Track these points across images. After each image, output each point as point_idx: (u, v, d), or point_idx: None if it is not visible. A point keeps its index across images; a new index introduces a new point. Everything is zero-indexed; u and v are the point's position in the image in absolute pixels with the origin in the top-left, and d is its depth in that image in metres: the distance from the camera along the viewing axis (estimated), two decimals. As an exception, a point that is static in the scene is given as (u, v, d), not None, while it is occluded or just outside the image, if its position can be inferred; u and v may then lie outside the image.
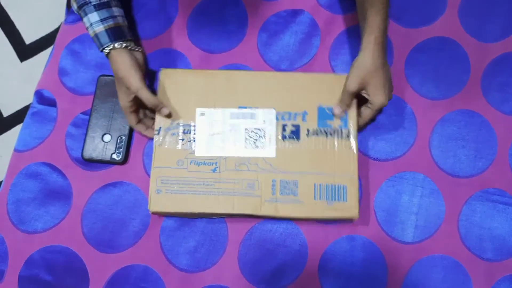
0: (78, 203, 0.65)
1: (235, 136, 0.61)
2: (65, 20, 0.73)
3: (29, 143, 0.68)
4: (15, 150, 0.68)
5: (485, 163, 0.65)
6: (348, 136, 0.61)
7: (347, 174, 0.60)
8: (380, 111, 0.61)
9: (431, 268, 0.62)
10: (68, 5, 0.74)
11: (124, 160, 0.66)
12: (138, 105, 0.63)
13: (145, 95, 0.59)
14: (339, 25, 0.71)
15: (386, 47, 0.59)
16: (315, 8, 0.72)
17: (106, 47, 0.60)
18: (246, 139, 0.61)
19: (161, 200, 0.60)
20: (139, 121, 0.64)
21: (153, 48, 0.70)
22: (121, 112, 0.67)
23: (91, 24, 0.60)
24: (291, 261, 0.63)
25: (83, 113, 0.68)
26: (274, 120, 0.62)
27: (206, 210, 0.60)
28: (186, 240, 0.64)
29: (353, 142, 0.61)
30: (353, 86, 0.58)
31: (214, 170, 0.60)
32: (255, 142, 0.61)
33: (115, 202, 0.65)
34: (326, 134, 0.61)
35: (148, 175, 0.65)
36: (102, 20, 0.60)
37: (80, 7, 0.60)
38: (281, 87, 0.63)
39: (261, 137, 0.61)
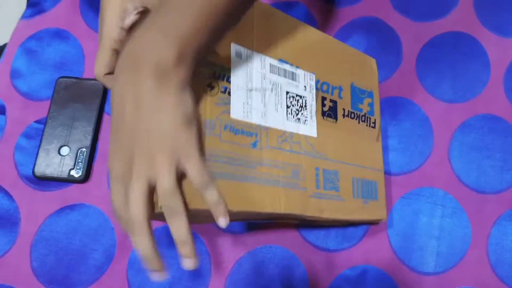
0: (27, 230, 0.53)
1: (277, 99, 0.44)
2: (23, 14, 0.63)
3: (-30, 158, 0.56)
4: (-47, 167, 0.56)
5: (514, 176, 0.56)
6: (374, 124, 0.52)
7: (375, 168, 0.50)
8: None
9: (457, 304, 0.52)
10: (25, -3, 0.64)
11: (85, 178, 0.54)
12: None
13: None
14: (340, 19, 0.62)
15: (172, 83, 0.32)
16: (312, 1, 0.63)
17: None
18: (288, 106, 0.45)
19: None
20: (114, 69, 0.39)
21: None
22: (83, 120, 0.56)
23: None
24: (288, 298, 0.52)
25: (37, 121, 0.57)
26: (314, 89, 0.48)
27: (248, 207, 0.39)
28: (160, 274, 0.52)
29: (379, 133, 0.51)
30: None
31: (254, 145, 0.41)
32: (297, 113, 0.45)
33: (72, 229, 0.53)
34: (358, 118, 0.50)
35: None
36: None
37: None
38: (321, 50, 0.49)
39: (303, 107, 0.46)
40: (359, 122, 0.51)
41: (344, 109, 0.50)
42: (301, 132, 0.45)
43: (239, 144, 0.40)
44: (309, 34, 0.49)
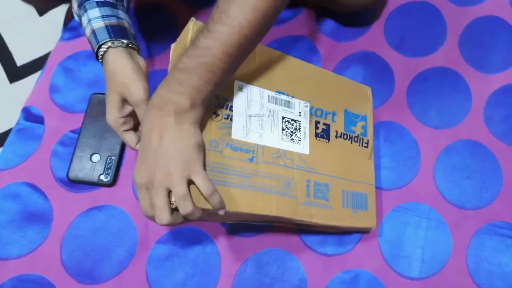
0: (58, 227, 0.60)
1: (273, 123, 0.53)
2: (61, 37, 0.71)
3: (11, 161, 0.63)
4: (-5, 168, 0.63)
5: (491, 195, 0.63)
6: (367, 144, 0.59)
7: (366, 182, 0.57)
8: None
9: (439, 308, 0.58)
10: (66, 22, 0.72)
11: (113, 182, 0.61)
12: (134, 120, 0.51)
13: (135, 90, 0.47)
14: (340, 52, 0.70)
15: (171, 112, 0.42)
16: (316, 35, 0.71)
17: (103, 44, 0.49)
18: (283, 129, 0.53)
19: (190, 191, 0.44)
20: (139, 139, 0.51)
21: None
22: (113, 132, 0.63)
23: (89, 21, 0.49)
24: (289, 297, 0.58)
25: (72, 131, 0.64)
26: (308, 114, 0.56)
27: (243, 209, 0.47)
28: (175, 271, 0.58)
29: (371, 152, 0.59)
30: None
31: (251, 160, 0.50)
32: (291, 135, 0.53)
33: (99, 227, 0.60)
34: (351, 139, 0.58)
35: (138, 199, 0.61)
36: (103, 17, 0.50)
37: (80, 4, 0.51)
38: (316, 82, 0.58)
39: (297, 130, 0.54)
40: (351, 142, 0.59)
41: (337, 131, 0.58)
42: (294, 150, 0.54)
43: (238, 159, 0.49)
44: (305, 69, 0.58)
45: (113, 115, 0.50)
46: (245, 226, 0.60)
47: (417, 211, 0.62)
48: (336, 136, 0.58)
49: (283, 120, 0.54)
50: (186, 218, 0.44)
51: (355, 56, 0.70)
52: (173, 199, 0.42)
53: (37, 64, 1.04)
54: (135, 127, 0.52)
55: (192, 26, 0.49)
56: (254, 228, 0.60)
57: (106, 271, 0.58)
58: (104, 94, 0.65)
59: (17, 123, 0.66)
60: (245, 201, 0.48)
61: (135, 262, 0.58)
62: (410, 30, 0.72)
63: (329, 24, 0.72)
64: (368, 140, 0.60)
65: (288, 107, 0.55)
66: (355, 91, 0.61)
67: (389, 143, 0.65)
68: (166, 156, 0.42)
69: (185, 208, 0.42)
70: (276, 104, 0.54)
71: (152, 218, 0.43)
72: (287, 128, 0.54)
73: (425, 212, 0.62)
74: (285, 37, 0.71)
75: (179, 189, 0.41)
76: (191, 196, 0.42)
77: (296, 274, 0.59)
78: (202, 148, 0.44)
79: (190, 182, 0.43)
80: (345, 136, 0.58)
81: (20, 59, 1.05)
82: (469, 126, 0.66)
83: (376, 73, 0.69)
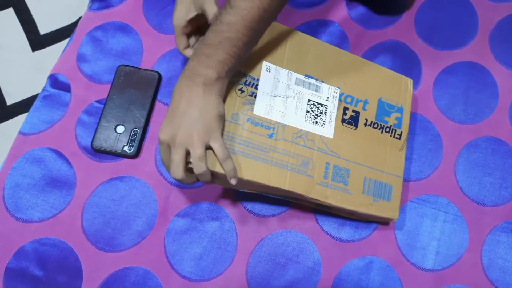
0: (81, 194, 0.61)
1: (297, 105, 0.55)
2: (90, 6, 0.71)
3: (36, 127, 0.64)
4: (20, 132, 0.64)
5: (511, 193, 0.63)
6: (400, 136, 0.59)
7: (394, 174, 0.58)
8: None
9: (450, 300, 0.58)
10: (95, -8, 0.72)
11: (136, 154, 0.62)
12: (194, 27, 0.55)
13: (211, 9, 0.51)
14: (369, 40, 0.70)
15: (199, 82, 0.47)
16: (346, 21, 0.71)
17: None
18: (308, 111, 0.55)
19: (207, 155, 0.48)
20: (188, 46, 0.56)
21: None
22: (138, 104, 0.64)
23: None
24: (302, 279, 0.59)
25: (97, 101, 0.65)
26: (337, 100, 0.57)
27: (256, 178, 0.51)
28: (192, 245, 0.59)
29: (403, 144, 0.59)
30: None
31: (270, 136, 0.53)
32: (315, 117, 0.56)
33: (120, 197, 0.61)
34: (382, 129, 0.59)
35: (160, 173, 0.62)
36: None
37: None
38: (350, 69, 0.59)
39: (323, 113, 0.56)
40: (382, 132, 0.59)
41: (366, 119, 0.58)
42: (317, 133, 0.56)
43: (257, 133, 0.53)
44: (339, 56, 0.59)
45: (181, 14, 0.53)
46: (264, 207, 0.61)
47: (435, 204, 0.62)
48: (365, 124, 0.58)
49: (309, 103, 0.56)
50: (197, 179, 0.50)
51: (384, 45, 0.69)
52: (190, 159, 0.47)
53: (60, 34, 1.04)
54: (190, 33, 0.56)
55: None
56: (272, 209, 0.61)
57: (125, 240, 0.59)
58: (130, 66, 0.66)
59: (44, 90, 0.66)
60: (260, 172, 0.52)
61: (154, 234, 0.59)
62: (441, 22, 0.71)
63: (359, 11, 0.71)
64: (401, 132, 0.59)
65: (316, 91, 0.57)
66: (393, 81, 0.61)
67: (413, 135, 0.65)
68: (191, 121, 0.47)
69: (200, 168, 0.47)
70: (303, 87, 0.56)
71: (168, 170, 0.49)
72: (312, 111, 0.56)
73: (443, 205, 0.62)
74: (314, 21, 0.71)
75: (197, 150, 0.47)
76: (206, 159, 0.48)
77: (311, 256, 0.59)
78: (223, 118, 0.50)
79: (208, 147, 0.48)
80: (375, 125, 0.59)
81: (44, 28, 1.05)
82: (493, 123, 0.66)
83: (404, 63, 0.69)
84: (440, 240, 0.60)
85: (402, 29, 0.71)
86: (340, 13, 0.71)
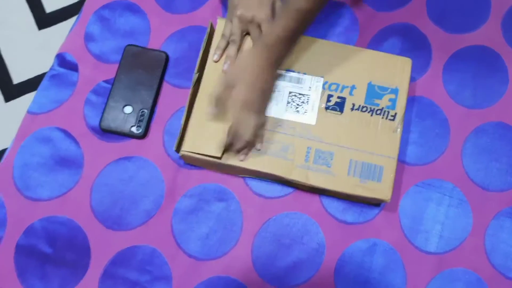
0: (89, 174, 0.62)
1: (278, 97, 0.60)
2: (97, -15, 0.70)
3: (45, 106, 0.64)
4: (29, 112, 0.64)
5: (517, 179, 0.63)
6: (394, 117, 0.59)
7: (386, 155, 0.58)
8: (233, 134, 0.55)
9: (452, 282, 0.59)
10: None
11: (144, 135, 0.62)
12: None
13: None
14: (379, 22, 0.69)
15: (278, 62, 0.56)
16: (356, 3, 0.70)
17: None
18: (288, 102, 0.60)
19: (195, 142, 0.57)
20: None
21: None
22: (146, 85, 0.64)
23: None
24: (306, 259, 0.60)
25: (105, 81, 0.65)
26: (321, 89, 0.60)
27: (235, 162, 0.57)
28: (199, 225, 0.60)
29: (398, 125, 0.59)
30: (229, 78, 0.56)
31: None
32: (297, 107, 0.60)
33: (128, 177, 0.62)
34: (372, 112, 0.59)
35: (167, 154, 0.62)
36: None
37: None
38: (333, 58, 0.61)
39: (304, 103, 0.60)
40: (372, 115, 0.59)
41: (354, 104, 0.60)
42: (298, 120, 0.59)
43: None
44: (321, 47, 0.62)
45: (263, 14, 0.58)
46: (270, 189, 0.62)
47: (440, 188, 0.62)
48: (352, 109, 0.59)
49: (290, 94, 0.60)
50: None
51: (394, 28, 0.68)
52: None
53: (66, 12, 1.04)
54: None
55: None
56: (278, 191, 0.62)
57: (133, 219, 0.60)
58: (137, 46, 0.66)
59: (51, 69, 0.66)
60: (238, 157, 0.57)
61: (161, 213, 0.60)
62: (453, 5, 0.70)
63: (369, -8, 0.70)
64: (395, 113, 0.59)
65: (298, 83, 0.61)
66: (386, 64, 0.61)
67: (420, 119, 0.65)
68: (266, 98, 0.58)
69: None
70: (284, 81, 0.61)
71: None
72: (293, 101, 0.60)
73: (448, 189, 0.62)
74: (323, 3, 0.70)
75: (262, 119, 0.58)
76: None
77: (315, 238, 0.60)
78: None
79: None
80: (364, 109, 0.60)
81: (50, 6, 1.04)
82: (502, 109, 0.66)
83: (414, 46, 0.68)
84: (444, 224, 0.61)
85: (413, 11, 0.70)
86: (350, -6, 0.70)
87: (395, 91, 0.60)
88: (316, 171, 0.57)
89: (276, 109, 0.60)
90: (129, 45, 0.66)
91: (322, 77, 0.61)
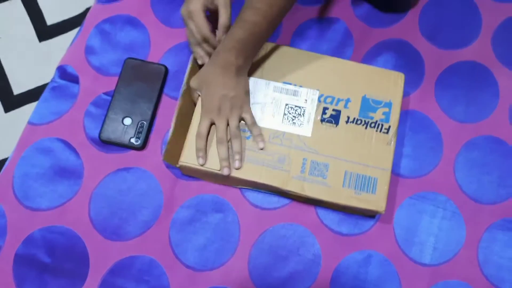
0: (88, 184, 0.62)
1: (274, 109, 0.61)
2: None
3: (45, 117, 0.65)
4: (29, 122, 0.65)
5: (508, 191, 0.64)
6: (387, 130, 0.60)
7: (380, 167, 0.59)
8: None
9: (446, 294, 0.60)
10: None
11: (143, 146, 0.63)
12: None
13: (226, 17, 0.58)
14: (373, 38, 0.71)
15: (235, 67, 0.56)
16: (351, 19, 0.72)
17: None
18: (285, 114, 0.61)
19: (192, 155, 0.58)
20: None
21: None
22: (145, 97, 0.65)
23: None
24: (303, 271, 0.60)
25: (105, 93, 0.66)
26: (316, 101, 0.62)
27: (233, 173, 0.58)
28: (196, 236, 0.61)
29: (392, 138, 0.60)
30: (193, 83, 0.59)
31: (248, 137, 0.60)
32: (293, 119, 0.61)
33: (127, 188, 0.62)
34: (366, 124, 0.61)
35: (166, 165, 0.63)
36: None
37: None
38: (329, 71, 0.63)
39: (300, 115, 0.61)
40: (366, 128, 0.61)
41: (348, 117, 0.61)
42: (294, 132, 0.60)
43: None
44: (317, 61, 0.63)
45: (197, 4, 0.58)
46: (267, 200, 0.62)
47: (434, 201, 0.63)
48: (347, 121, 0.61)
49: (286, 107, 0.61)
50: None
51: (388, 43, 0.70)
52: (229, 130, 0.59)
53: (66, 25, 1.05)
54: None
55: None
56: (274, 203, 0.63)
57: (131, 230, 0.61)
58: (137, 59, 0.67)
59: (52, 81, 0.67)
60: (238, 169, 0.58)
61: (159, 224, 0.61)
62: (445, 22, 0.72)
63: (364, 9, 0.72)
64: (389, 126, 0.61)
65: (294, 95, 0.62)
66: (380, 78, 0.63)
67: (413, 133, 0.66)
68: (229, 99, 0.58)
69: (237, 135, 0.58)
70: (281, 93, 0.62)
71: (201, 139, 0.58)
72: (289, 113, 0.61)
73: (441, 202, 0.63)
74: (319, 18, 0.72)
75: (235, 122, 0.59)
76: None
77: (311, 249, 0.61)
78: (249, 93, 0.61)
79: (240, 119, 0.59)
80: (358, 122, 0.61)
81: (50, 19, 1.06)
82: (493, 123, 0.67)
83: (407, 62, 0.70)
84: (438, 236, 0.62)
85: (406, 27, 0.72)
86: (345, 11, 0.72)
87: (388, 105, 0.62)
88: (311, 182, 0.58)
89: (273, 120, 0.61)
90: (129, 58, 0.67)
91: (317, 90, 0.62)
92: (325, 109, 0.61)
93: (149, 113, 0.64)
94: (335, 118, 0.61)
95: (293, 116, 0.61)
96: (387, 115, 0.61)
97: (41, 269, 0.59)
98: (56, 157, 0.63)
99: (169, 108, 0.66)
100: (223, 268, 0.60)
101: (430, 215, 0.63)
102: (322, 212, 0.63)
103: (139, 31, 0.70)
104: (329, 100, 0.62)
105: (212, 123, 0.59)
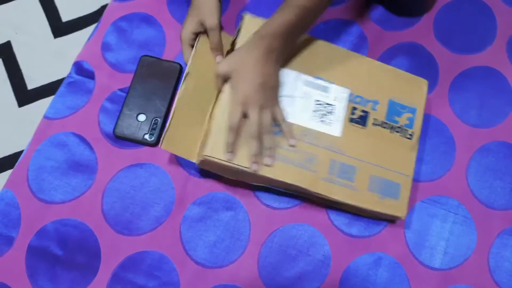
0: (102, 179, 0.63)
1: (304, 105, 0.58)
2: (116, -3, 0.73)
3: (61, 112, 0.66)
4: (45, 117, 0.66)
5: (521, 198, 0.64)
6: (411, 136, 0.60)
7: (403, 173, 0.59)
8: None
9: (456, 299, 0.60)
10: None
11: (156, 143, 0.64)
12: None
13: (215, 38, 0.58)
14: (388, 41, 0.71)
15: (276, 55, 0.54)
16: (366, 22, 0.72)
17: None
18: (314, 111, 0.58)
19: (218, 148, 0.54)
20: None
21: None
22: (159, 94, 0.66)
23: None
24: (312, 271, 0.60)
25: (120, 89, 0.67)
26: (346, 100, 0.59)
27: (263, 172, 0.55)
28: (207, 233, 0.61)
29: (415, 144, 0.60)
30: (222, 68, 0.55)
31: (276, 133, 0.56)
32: (322, 117, 0.58)
33: (140, 183, 0.63)
34: (391, 129, 0.60)
35: (179, 162, 0.64)
36: None
37: None
38: (360, 71, 0.61)
39: (330, 113, 0.58)
40: (391, 132, 0.60)
41: (376, 119, 0.60)
42: (324, 131, 0.58)
43: None
44: (351, 59, 0.61)
45: (188, 29, 0.60)
46: (278, 199, 0.63)
47: (445, 205, 0.63)
48: (374, 124, 0.60)
49: (316, 103, 0.58)
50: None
51: (402, 47, 0.70)
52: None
53: (81, 22, 1.06)
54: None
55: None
56: (285, 202, 0.63)
57: (143, 225, 0.61)
58: (152, 57, 0.68)
59: (68, 76, 0.68)
60: (266, 167, 0.55)
61: (170, 220, 0.61)
62: (459, 26, 0.72)
63: (379, 12, 0.73)
64: (413, 132, 0.60)
65: (324, 91, 0.59)
66: (407, 83, 0.62)
67: (426, 137, 0.66)
68: (267, 91, 0.55)
69: (267, 129, 0.55)
70: (312, 88, 0.59)
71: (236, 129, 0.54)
72: (319, 110, 0.58)
73: (453, 207, 0.63)
74: (333, 20, 0.72)
75: (269, 115, 0.56)
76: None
77: (321, 250, 0.61)
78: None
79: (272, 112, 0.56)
80: (384, 125, 0.60)
81: (66, 15, 1.07)
82: (507, 128, 0.67)
83: (421, 65, 0.70)
84: (449, 240, 0.62)
85: (421, 31, 0.72)
86: (360, 13, 0.72)
87: (413, 111, 0.62)
88: (339, 185, 0.57)
89: (302, 117, 0.58)
90: (144, 55, 0.68)
91: (348, 88, 0.60)
92: (354, 109, 0.59)
93: (163, 110, 0.65)
94: (363, 119, 0.59)
95: (323, 114, 0.58)
96: (411, 120, 0.61)
97: (53, 261, 0.60)
98: (70, 151, 0.64)
99: (183, 106, 0.66)
100: (233, 265, 0.60)
101: (441, 220, 0.63)
102: (332, 213, 0.63)
103: (154, 29, 0.71)
104: (358, 100, 0.60)
105: (244, 115, 0.54)
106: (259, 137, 0.54)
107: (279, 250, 0.61)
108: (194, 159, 0.57)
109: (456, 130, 0.67)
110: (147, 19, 0.71)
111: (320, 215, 0.63)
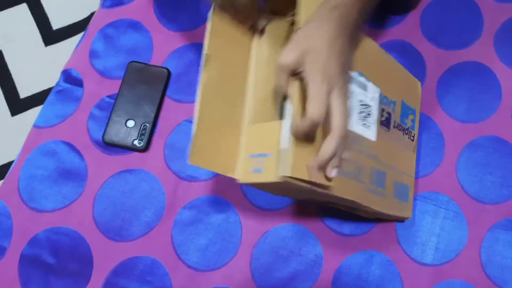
0: (92, 186, 0.63)
1: (352, 105, 0.48)
2: (102, 4, 0.73)
3: (50, 120, 0.66)
4: (35, 125, 0.66)
5: (511, 191, 0.64)
6: (413, 138, 0.60)
7: (409, 174, 0.58)
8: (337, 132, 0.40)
9: (449, 294, 0.60)
10: (107, -11, 0.74)
11: (145, 148, 0.64)
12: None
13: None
14: (374, 39, 0.70)
15: (350, 31, 0.42)
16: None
17: None
18: (359, 113, 0.49)
19: (300, 164, 0.39)
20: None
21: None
22: (148, 100, 0.66)
23: None
24: (304, 271, 0.60)
25: (109, 96, 0.67)
26: (378, 101, 0.51)
27: (334, 191, 0.44)
28: (198, 237, 0.62)
29: (415, 145, 0.59)
30: (288, 58, 0.39)
31: None
32: (363, 119, 0.49)
33: (130, 189, 0.63)
34: (403, 131, 0.58)
35: (168, 167, 0.64)
36: None
37: None
38: (386, 68, 0.55)
39: (369, 115, 0.50)
40: (403, 134, 0.59)
41: (395, 121, 0.58)
42: (364, 135, 0.50)
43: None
44: (380, 54, 0.54)
45: None
46: (268, 201, 0.63)
47: (436, 201, 0.63)
48: (394, 126, 0.57)
49: (360, 103, 0.49)
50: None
51: (389, 45, 0.70)
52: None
53: (72, 29, 1.07)
54: None
55: None
56: (276, 203, 0.63)
57: (134, 231, 0.62)
58: (140, 63, 0.68)
59: (57, 84, 0.69)
60: (335, 183, 0.43)
61: (161, 225, 0.62)
62: (446, 22, 0.72)
63: (365, 10, 0.73)
64: (414, 134, 0.60)
65: (364, 90, 0.51)
66: (410, 83, 0.61)
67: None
68: (346, 71, 0.43)
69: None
70: (356, 85, 0.49)
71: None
72: (362, 112, 0.50)
73: (444, 202, 0.63)
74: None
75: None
76: None
77: (313, 250, 0.61)
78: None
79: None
80: (400, 127, 0.58)
81: (56, 23, 1.08)
82: (496, 123, 0.67)
83: (408, 63, 0.69)
84: (440, 236, 0.62)
85: (408, 28, 0.72)
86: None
87: (414, 112, 0.61)
88: (377, 194, 0.51)
89: (351, 120, 0.47)
90: (132, 61, 0.68)
91: (379, 87, 0.53)
92: (382, 110, 0.53)
93: (152, 115, 0.65)
94: (388, 122, 0.54)
95: (364, 116, 0.50)
96: (413, 122, 0.60)
97: (46, 269, 0.60)
98: (60, 159, 0.64)
99: (172, 110, 0.67)
100: (225, 268, 0.60)
101: (432, 215, 0.63)
102: (324, 212, 0.63)
103: (142, 34, 0.71)
104: (385, 100, 0.53)
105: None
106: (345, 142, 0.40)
107: (271, 251, 0.61)
108: (230, 173, 0.44)
109: (445, 126, 0.67)
110: (134, 25, 0.71)
111: (311, 214, 0.63)
